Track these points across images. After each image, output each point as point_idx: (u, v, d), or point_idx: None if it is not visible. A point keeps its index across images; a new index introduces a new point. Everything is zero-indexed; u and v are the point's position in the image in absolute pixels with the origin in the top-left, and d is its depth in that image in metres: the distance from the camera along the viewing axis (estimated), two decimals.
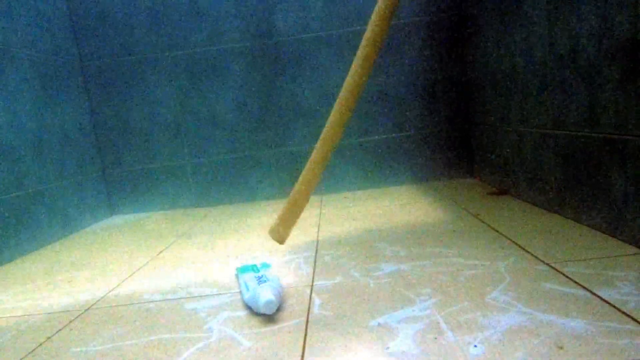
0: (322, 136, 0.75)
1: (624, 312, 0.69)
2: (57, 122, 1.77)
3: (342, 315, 0.80)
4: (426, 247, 1.11)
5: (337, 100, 0.75)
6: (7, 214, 1.46)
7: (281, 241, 0.81)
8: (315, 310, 0.83)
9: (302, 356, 0.68)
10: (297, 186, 0.75)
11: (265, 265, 1.04)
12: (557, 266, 0.90)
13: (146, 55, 1.95)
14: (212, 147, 2.01)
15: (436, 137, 1.97)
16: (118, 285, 1.11)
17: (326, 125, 0.76)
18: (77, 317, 0.94)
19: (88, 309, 0.98)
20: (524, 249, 1.02)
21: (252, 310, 0.87)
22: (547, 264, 0.91)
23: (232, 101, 1.97)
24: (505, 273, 0.89)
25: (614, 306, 0.71)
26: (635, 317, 0.67)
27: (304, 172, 0.75)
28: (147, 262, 1.28)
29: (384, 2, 0.68)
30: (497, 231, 1.17)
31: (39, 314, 0.98)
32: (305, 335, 0.74)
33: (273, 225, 0.79)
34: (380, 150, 1.98)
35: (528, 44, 1.32)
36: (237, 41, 1.93)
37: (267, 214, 1.75)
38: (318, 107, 1.96)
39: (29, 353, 0.80)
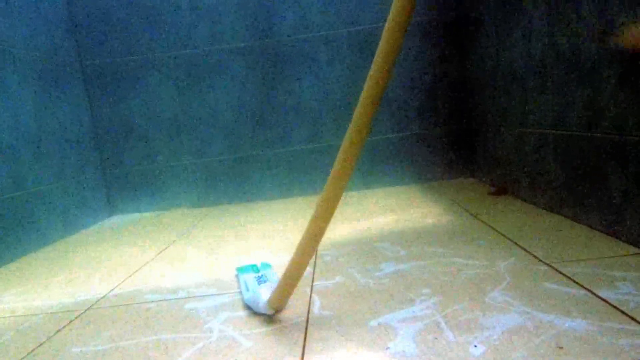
0: (315, 211, 0.72)
1: (624, 312, 0.69)
2: (57, 122, 1.77)
3: (342, 315, 0.80)
4: (426, 247, 1.11)
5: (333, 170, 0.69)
6: (7, 214, 1.46)
7: (278, 311, 0.84)
8: (315, 310, 0.83)
9: (302, 356, 0.68)
10: (292, 259, 0.76)
11: (266, 266, 1.04)
12: (557, 266, 0.90)
13: (146, 55, 1.95)
14: (212, 147, 2.01)
15: (436, 137, 1.97)
16: (118, 285, 1.11)
17: (322, 197, 0.72)
18: (77, 317, 0.94)
19: (88, 309, 0.98)
20: (524, 249, 1.01)
21: (252, 310, 0.87)
22: (547, 264, 0.91)
23: (232, 101, 1.97)
24: (505, 273, 0.89)
25: (614, 306, 0.71)
26: (635, 317, 0.67)
27: (299, 245, 0.75)
28: (147, 262, 1.28)
29: (399, 6, 0.62)
30: (497, 231, 1.17)
31: (39, 314, 0.98)
32: (305, 335, 0.74)
33: (270, 297, 0.82)
34: (380, 150, 1.98)
35: (528, 44, 1.32)
36: (237, 41, 1.93)
37: (267, 213, 1.75)
38: (318, 107, 1.96)
39: (29, 353, 0.80)
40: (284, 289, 0.79)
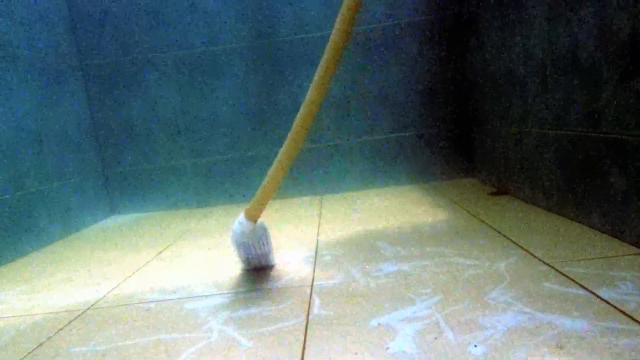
0: (291, 130, 0.93)
1: (624, 312, 0.69)
2: (57, 122, 1.77)
3: (342, 315, 0.80)
4: (426, 247, 1.11)
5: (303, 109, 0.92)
6: (7, 214, 1.46)
7: (254, 220, 1.02)
8: (315, 310, 0.83)
9: (302, 356, 0.68)
10: (270, 172, 0.97)
11: None
12: (557, 266, 0.90)
13: (146, 55, 1.95)
14: (212, 147, 2.01)
15: (436, 137, 1.97)
16: (118, 285, 1.11)
17: (289, 137, 0.94)
18: (77, 317, 0.94)
19: (88, 309, 0.98)
20: (524, 249, 1.02)
21: (240, 249, 1.05)
22: (548, 264, 0.91)
23: (232, 101, 1.97)
24: (506, 273, 0.89)
25: (614, 306, 0.71)
26: (635, 317, 0.67)
27: (276, 160, 0.96)
28: (147, 262, 1.28)
29: (346, 6, 0.76)
30: (497, 231, 1.17)
31: (39, 314, 0.98)
32: (305, 335, 0.74)
33: (248, 207, 0.99)
34: (380, 150, 1.98)
35: (528, 44, 1.32)
36: (237, 41, 1.93)
37: (267, 213, 1.75)
38: None
39: (29, 353, 0.80)
40: (259, 199, 0.95)
